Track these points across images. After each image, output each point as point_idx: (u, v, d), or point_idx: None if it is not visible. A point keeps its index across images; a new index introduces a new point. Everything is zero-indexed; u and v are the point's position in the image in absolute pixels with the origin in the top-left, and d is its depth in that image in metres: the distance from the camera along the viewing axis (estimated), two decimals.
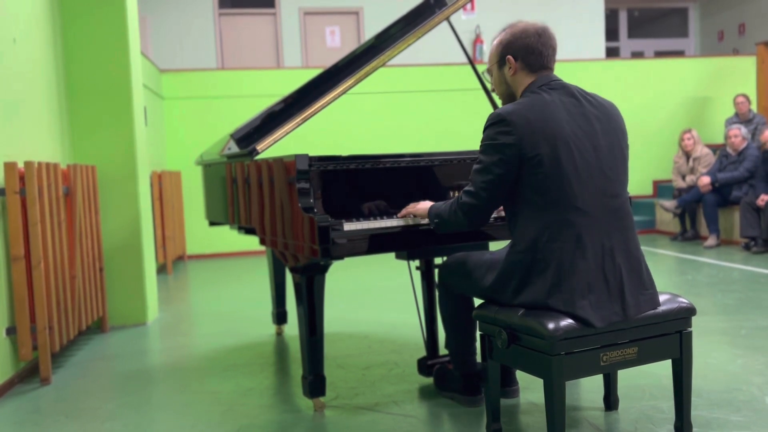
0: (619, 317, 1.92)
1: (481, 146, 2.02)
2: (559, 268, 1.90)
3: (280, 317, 3.79)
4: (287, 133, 2.67)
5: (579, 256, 1.90)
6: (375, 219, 2.41)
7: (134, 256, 4.19)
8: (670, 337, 2.03)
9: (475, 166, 2.02)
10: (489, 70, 2.21)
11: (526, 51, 2.06)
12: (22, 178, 3.03)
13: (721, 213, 6.76)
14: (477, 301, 2.45)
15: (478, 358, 2.85)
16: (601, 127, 1.98)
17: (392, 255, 2.76)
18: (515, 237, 2.01)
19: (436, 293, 2.68)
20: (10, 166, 2.95)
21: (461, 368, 2.53)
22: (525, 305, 1.97)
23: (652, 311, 1.99)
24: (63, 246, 3.35)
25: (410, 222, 2.35)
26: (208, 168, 3.50)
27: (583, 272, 1.90)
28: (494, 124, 1.98)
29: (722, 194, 6.68)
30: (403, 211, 2.39)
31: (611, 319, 1.91)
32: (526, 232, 1.96)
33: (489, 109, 3.25)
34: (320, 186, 2.40)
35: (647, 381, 2.71)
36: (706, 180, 6.70)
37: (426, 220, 2.35)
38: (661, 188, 8.48)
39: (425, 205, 2.30)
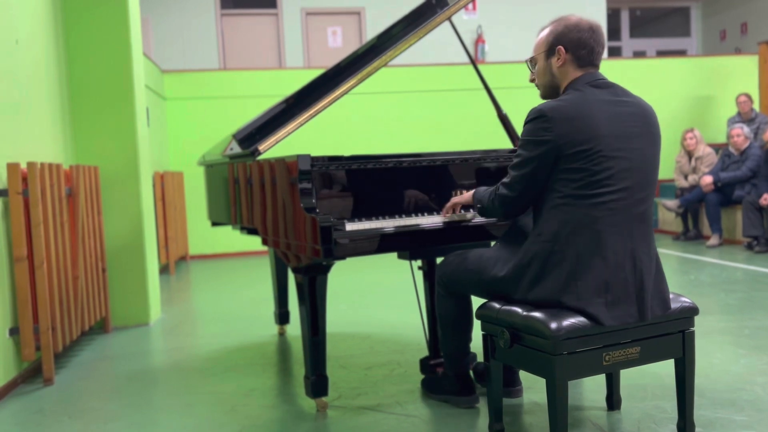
0: (634, 319, 1.93)
1: (520, 140, 2.04)
2: (576, 262, 1.91)
3: (282, 317, 3.79)
4: (289, 134, 2.67)
5: (598, 253, 1.91)
6: (377, 219, 2.41)
7: (137, 257, 4.20)
8: (672, 337, 2.03)
9: (515, 160, 2.04)
10: (533, 60, 2.18)
11: (578, 44, 2.05)
12: (25, 179, 3.03)
13: (724, 212, 6.75)
14: (475, 301, 2.45)
15: (479, 359, 2.85)
16: (639, 130, 1.98)
17: (394, 255, 2.76)
18: (538, 227, 2.02)
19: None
20: (13, 167, 2.96)
21: (455, 369, 2.51)
22: (537, 301, 1.97)
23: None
24: (66, 246, 3.35)
25: (448, 219, 2.41)
26: (211, 168, 3.51)
27: (601, 270, 1.91)
28: (534, 120, 1.98)
29: (725, 194, 6.67)
30: (449, 205, 2.42)
31: (625, 320, 1.91)
32: (550, 223, 1.97)
33: (491, 109, 3.25)
34: (322, 186, 2.40)
35: (650, 381, 2.71)
36: (708, 179, 6.69)
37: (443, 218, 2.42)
38: (664, 188, 8.47)
39: (470, 193, 2.34)
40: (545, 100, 2.11)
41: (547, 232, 1.97)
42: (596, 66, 2.08)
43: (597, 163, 1.91)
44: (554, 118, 1.94)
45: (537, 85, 2.20)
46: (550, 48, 2.10)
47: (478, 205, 2.21)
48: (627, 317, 1.92)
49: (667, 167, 8.41)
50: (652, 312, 1.96)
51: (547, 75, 2.13)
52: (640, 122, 2.00)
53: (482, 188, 2.24)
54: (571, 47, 2.05)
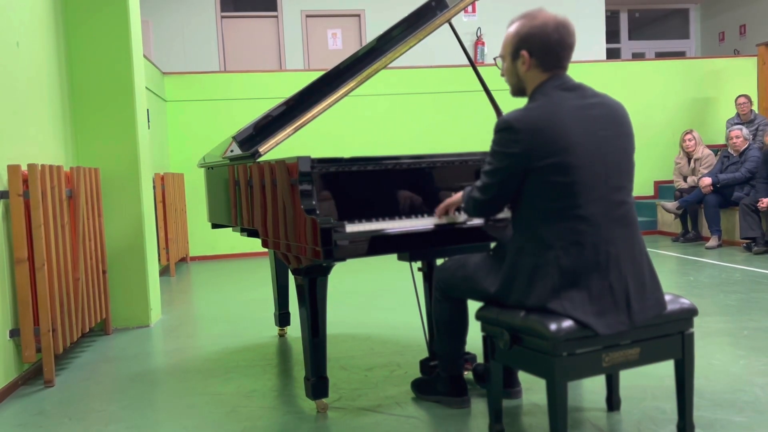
0: (625, 326, 1.91)
1: (490, 149, 2.02)
2: (561, 275, 1.90)
3: (282, 319, 3.80)
4: (290, 136, 2.68)
5: (582, 264, 1.90)
6: (377, 221, 2.42)
7: (137, 258, 4.20)
8: (672, 338, 2.04)
9: (485, 167, 2.03)
10: (502, 57, 2.12)
11: (543, 49, 1.98)
12: (25, 181, 3.04)
13: (723, 214, 6.76)
14: (471, 303, 2.46)
15: (480, 360, 2.86)
16: (610, 132, 1.95)
17: (394, 256, 2.77)
18: (519, 242, 2.01)
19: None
20: (13, 169, 2.96)
21: (449, 371, 2.51)
22: (526, 308, 1.97)
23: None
24: (66, 248, 3.36)
25: (444, 221, 2.41)
26: (211, 170, 3.51)
27: (586, 280, 1.89)
28: (502, 131, 1.95)
29: (723, 195, 6.68)
30: (442, 207, 2.42)
31: (617, 328, 1.90)
32: (531, 237, 1.96)
33: (490, 111, 3.26)
34: (323, 188, 2.41)
35: (649, 382, 2.71)
36: (707, 181, 6.70)
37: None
38: (663, 189, 8.48)
39: (460, 193, 2.35)
40: (514, 97, 2.14)
41: (529, 246, 1.96)
42: (564, 68, 2.02)
43: (570, 174, 1.88)
44: (522, 130, 1.90)
45: (507, 83, 2.14)
46: (515, 51, 2.03)
47: (462, 204, 2.22)
48: (619, 325, 1.90)
49: (666, 169, 8.43)
50: (646, 314, 1.94)
51: (514, 76, 2.08)
52: (611, 123, 1.96)
53: (469, 188, 2.22)
54: (536, 52, 1.98)
